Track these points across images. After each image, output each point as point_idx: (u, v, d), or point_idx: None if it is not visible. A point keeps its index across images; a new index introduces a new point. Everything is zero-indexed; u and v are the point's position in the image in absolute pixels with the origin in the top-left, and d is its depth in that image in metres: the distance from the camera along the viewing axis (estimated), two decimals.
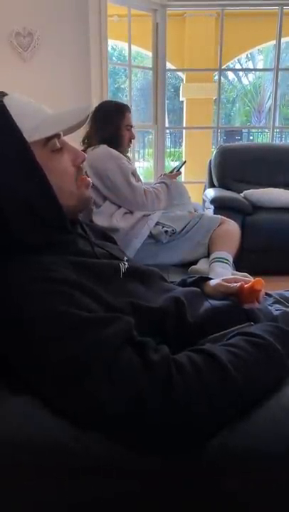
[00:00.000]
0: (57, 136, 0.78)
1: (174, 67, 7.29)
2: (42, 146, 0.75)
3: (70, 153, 0.81)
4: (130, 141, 2.18)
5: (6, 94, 0.77)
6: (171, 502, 0.60)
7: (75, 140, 0.91)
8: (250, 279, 0.95)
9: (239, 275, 1.10)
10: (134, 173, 2.09)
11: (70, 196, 0.79)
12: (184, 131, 8.79)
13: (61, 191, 0.77)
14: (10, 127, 0.72)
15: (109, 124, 2.07)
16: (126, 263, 0.87)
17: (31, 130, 0.73)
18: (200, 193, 3.79)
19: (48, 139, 0.76)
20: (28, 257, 0.72)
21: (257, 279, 0.90)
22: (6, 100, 0.75)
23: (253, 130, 13.50)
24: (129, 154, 2.28)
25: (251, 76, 14.83)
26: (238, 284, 0.91)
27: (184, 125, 8.44)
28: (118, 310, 0.72)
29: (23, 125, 0.73)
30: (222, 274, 1.66)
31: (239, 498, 0.60)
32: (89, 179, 0.85)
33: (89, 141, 2.09)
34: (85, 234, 0.88)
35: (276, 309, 0.98)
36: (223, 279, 0.97)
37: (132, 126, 2.16)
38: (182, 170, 2.39)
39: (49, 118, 0.78)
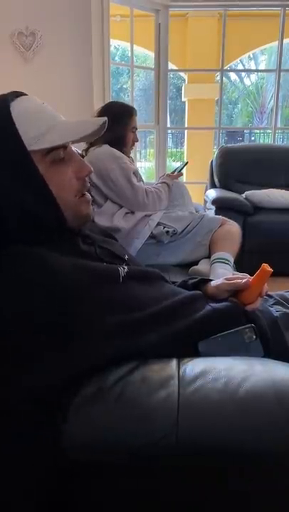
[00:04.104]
0: (62, 146, 0.76)
1: (176, 68, 7.29)
2: (43, 155, 0.74)
3: (74, 165, 0.79)
4: (133, 144, 2.18)
5: (19, 96, 0.77)
6: (174, 502, 0.60)
7: None
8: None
9: (239, 276, 1.10)
10: (136, 174, 2.09)
11: (66, 208, 0.78)
12: (185, 131, 8.78)
13: (59, 201, 0.76)
14: (11, 134, 0.72)
15: (117, 125, 2.07)
16: (125, 267, 0.86)
17: (32, 139, 0.73)
18: (201, 194, 3.79)
19: (50, 150, 0.74)
20: (25, 250, 0.72)
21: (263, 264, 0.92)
22: (15, 104, 0.75)
23: (255, 131, 13.50)
24: (132, 155, 2.28)
25: (253, 77, 14.81)
26: (246, 279, 0.92)
27: (186, 125, 8.44)
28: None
29: (24, 133, 0.72)
30: (223, 274, 1.65)
31: (241, 498, 0.60)
32: (90, 196, 0.83)
33: (93, 141, 2.09)
34: (87, 237, 0.87)
35: (277, 310, 0.99)
36: (225, 278, 0.97)
37: (136, 129, 2.16)
38: (184, 171, 2.39)
39: (54, 128, 0.75)
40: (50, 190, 0.75)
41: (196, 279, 1.05)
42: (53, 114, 0.79)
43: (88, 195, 0.83)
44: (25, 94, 0.80)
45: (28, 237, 0.74)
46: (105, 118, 0.82)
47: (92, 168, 0.82)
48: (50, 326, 0.66)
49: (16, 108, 0.74)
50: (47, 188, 0.74)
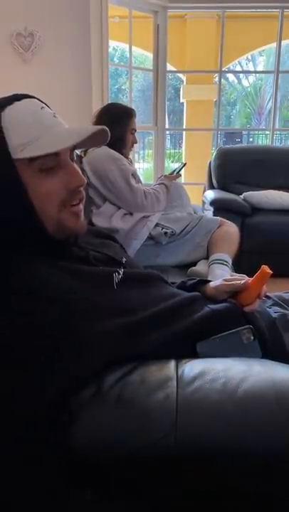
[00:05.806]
0: (49, 154, 0.73)
1: (174, 69, 7.28)
2: (28, 164, 0.72)
3: (65, 175, 0.75)
4: (132, 145, 2.19)
5: (20, 99, 0.76)
6: (173, 502, 0.60)
7: None
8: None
9: (237, 276, 1.11)
10: (134, 175, 2.09)
11: (49, 220, 0.75)
12: (183, 132, 8.79)
13: (42, 213, 0.74)
14: None
15: (117, 126, 2.07)
16: (121, 273, 0.85)
17: (18, 146, 0.71)
18: (200, 195, 3.79)
19: (35, 158, 0.72)
20: (17, 256, 0.72)
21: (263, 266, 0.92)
22: (10, 109, 0.74)
23: (254, 132, 13.51)
24: (130, 156, 2.28)
25: (252, 78, 14.85)
26: (244, 280, 0.92)
27: (184, 127, 8.45)
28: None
29: (11, 140, 0.71)
30: (221, 275, 1.66)
31: (240, 498, 0.60)
32: (79, 208, 0.80)
33: None
34: (81, 248, 0.86)
35: (275, 311, 0.99)
36: (224, 279, 0.98)
37: (135, 131, 2.17)
38: (182, 172, 2.40)
39: (41, 137, 0.73)
40: (30, 200, 0.73)
41: (195, 280, 1.05)
42: (50, 120, 0.76)
43: (78, 207, 0.79)
44: (29, 97, 0.78)
45: (17, 244, 0.74)
46: (103, 127, 0.79)
47: (84, 181, 0.78)
48: (45, 333, 0.65)
49: (9, 114, 0.73)
50: (26, 197, 0.72)
